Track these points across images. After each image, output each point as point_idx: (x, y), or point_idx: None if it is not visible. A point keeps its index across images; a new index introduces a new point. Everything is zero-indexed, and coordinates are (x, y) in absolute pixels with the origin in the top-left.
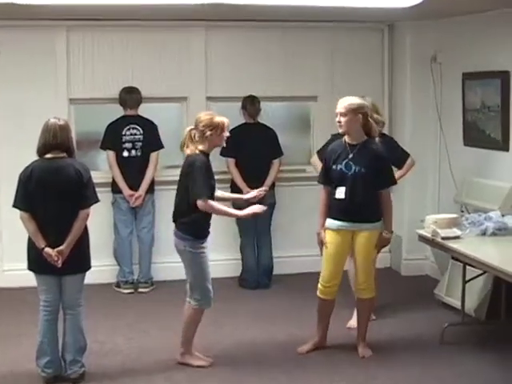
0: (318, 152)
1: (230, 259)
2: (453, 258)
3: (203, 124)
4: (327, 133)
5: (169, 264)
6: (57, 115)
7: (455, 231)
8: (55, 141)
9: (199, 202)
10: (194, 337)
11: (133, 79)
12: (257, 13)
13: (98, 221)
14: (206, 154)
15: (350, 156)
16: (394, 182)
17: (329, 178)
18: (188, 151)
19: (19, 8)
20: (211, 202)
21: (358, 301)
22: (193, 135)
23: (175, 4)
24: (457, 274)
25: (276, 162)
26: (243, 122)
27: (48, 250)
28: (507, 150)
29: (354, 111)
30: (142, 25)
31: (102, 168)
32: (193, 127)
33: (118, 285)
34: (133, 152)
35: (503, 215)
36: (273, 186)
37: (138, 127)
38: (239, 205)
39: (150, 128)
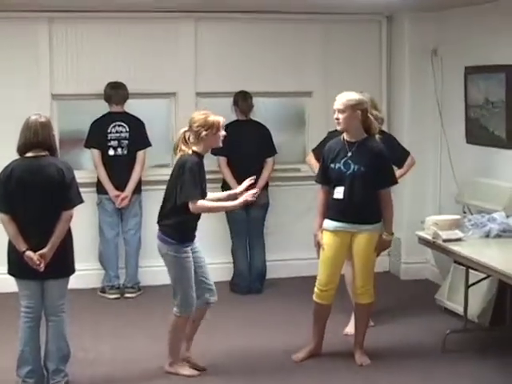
0: (314, 150)
1: (220, 262)
2: (455, 261)
3: (197, 124)
4: (323, 130)
5: (156, 268)
6: (38, 112)
7: (457, 233)
8: (36, 139)
9: (190, 205)
10: (182, 345)
11: (119, 74)
12: (249, 4)
13: (83, 223)
14: (200, 155)
15: (349, 154)
16: (394, 181)
17: (327, 178)
18: (181, 153)
19: None
20: (202, 202)
21: (356, 306)
22: (187, 137)
23: None
24: (459, 278)
25: (269, 160)
26: (235, 119)
27: (29, 253)
28: None
29: (352, 107)
30: (129, 16)
31: (87, 167)
32: (186, 129)
33: (103, 290)
34: (119, 150)
35: (507, 216)
36: (266, 186)
37: (124, 124)
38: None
39: (136, 125)
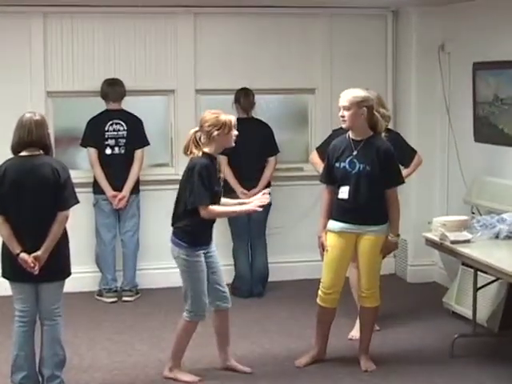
0: (318, 149)
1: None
2: (463, 263)
3: (209, 124)
4: (326, 128)
5: (155, 270)
6: (33, 109)
7: (465, 234)
8: (30, 137)
9: (200, 210)
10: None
11: (116, 70)
12: None
13: (79, 224)
14: (211, 156)
15: (355, 153)
16: (401, 180)
17: (331, 177)
18: (192, 155)
19: None
20: (212, 208)
21: (362, 309)
22: (198, 137)
23: None
24: (467, 281)
25: (272, 159)
26: (236, 116)
27: (24, 255)
28: None
29: (358, 104)
30: (126, 11)
31: (83, 167)
32: (197, 129)
33: (100, 293)
34: (116, 149)
35: None
36: (268, 185)
37: (121, 122)
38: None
39: (134, 123)
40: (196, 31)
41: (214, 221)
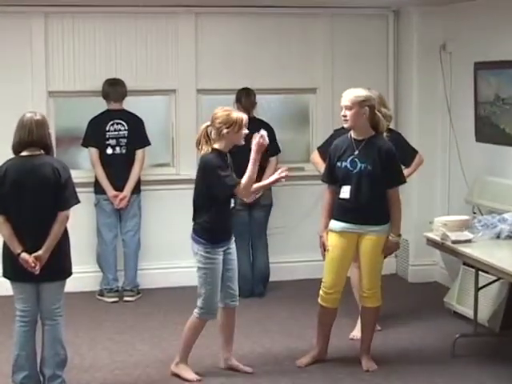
0: (319, 148)
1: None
2: (464, 263)
3: (219, 121)
4: (327, 128)
5: (156, 270)
6: (34, 109)
7: (467, 234)
8: (31, 137)
9: (237, 193)
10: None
11: (117, 70)
12: None
13: (80, 224)
14: (221, 152)
15: (356, 152)
16: (402, 180)
17: (333, 177)
18: (202, 152)
19: None
20: (243, 184)
21: (363, 309)
22: (209, 132)
23: None
24: (469, 281)
25: (273, 159)
26: None
27: (24, 255)
28: None
29: (360, 104)
30: (127, 11)
31: (84, 167)
32: (209, 124)
33: (101, 293)
34: (117, 149)
35: None
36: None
37: (122, 122)
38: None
39: (135, 123)
40: (197, 31)
41: (230, 217)
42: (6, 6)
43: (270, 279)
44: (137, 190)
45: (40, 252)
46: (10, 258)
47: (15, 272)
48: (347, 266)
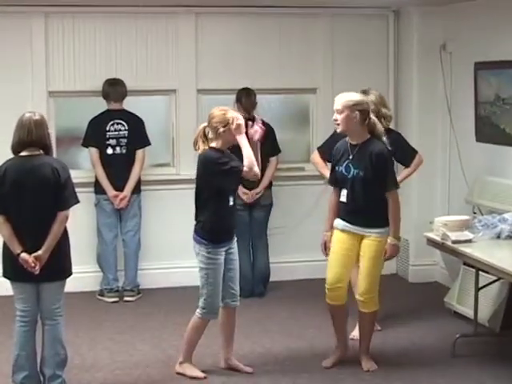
0: (319, 149)
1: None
2: (464, 263)
3: (216, 120)
4: (328, 128)
5: (156, 270)
6: (34, 109)
7: (467, 234)
8: (30, 137)
9: (246, 174)
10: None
11: (117, 70)
12: None
13: (80, 224)
14: (218, 150)
15: (350, 157)
16: (394, 185)
17: (336, 180)
18: (199, 151)
19: None
20: (245, 163)
21: (359, 313)
22: (206, 132)
23: None
24: (469, 281)
25: (273, 159)
26: None
27: (24, 255)
28: None
29: (350, 108)
30: (127, 11)
31: (85, 167)
32: (206, 124)
33: (101, 293)
34: (117, 149)
35: None
36: (270, 185)
37: (122, 122)
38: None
39: (135, 123)
40: (197, 31)
41: (234, 215)
42: (6, 6)
43: (271, 279)
44: (137, 190)
45: (40, 252)
46: (10, 258)
47: (15, 272)
48: (350, 264)
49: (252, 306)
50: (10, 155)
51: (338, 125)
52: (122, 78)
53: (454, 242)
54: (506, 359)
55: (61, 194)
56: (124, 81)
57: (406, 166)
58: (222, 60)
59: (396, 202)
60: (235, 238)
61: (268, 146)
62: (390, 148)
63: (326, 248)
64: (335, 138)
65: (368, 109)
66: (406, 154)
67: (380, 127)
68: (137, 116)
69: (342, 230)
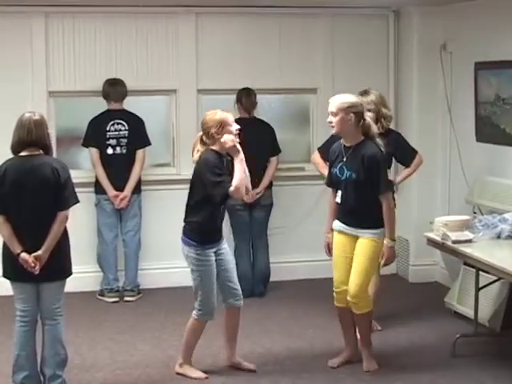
0: (319, 149)
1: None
2: (465, 263)
3: (208, 125)
4: (328, 128)
5: (157, 270)
6: (34, 109)
7: (467, 234)
8: (30, 137)
9: (231, 192)
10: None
11: (117, 70)
12: None
13: (81, 224)
14: (218, 153)
15: (344, 159)
16: (387, 188)
17: (331, 181)
18: (198, 154)
19: None
20: (234, 184)
21: (354, 314)
22: (204, 139)
23: None
24: (469, 281)
25: (273, 159)
26: (237, 116)
27: (24, 255)
28: None
29: (345, 110)
30: (128, 11)
31: (85, 167)
32: (201, 133)
33: (101, 293)
34: (118, 149)
35: None
36: (270, 185)
37: (123, 122)
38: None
39: (136, 123)
40: (197, 31)
41: (222, 217)
42: (7, 6)
43: (271, 279)
44: (137, 190)
45: (40, 252)
46: (10, 258)
47: (15, 272)
48: (351, 265)
49: (252, 306)
50: (10, 155)
51: (333, 127)
52: (123, 78)
53: (455, 241)
54: (506, 359)
55: (61, 194)
56: (124, 81)
57: (407, 166)
58: (223, 60)
59: (389, 205)
60: (224, 239)
61: (268, 146)
62: (383, 150)
63: (329, 249)
64: (335, 138)
65: (362, 110)
66: (406, 154)
67: (374, 128)
68: (137, 116)
69: (339, 232)
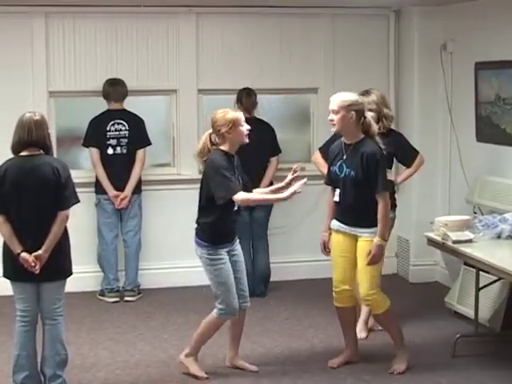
0: (320, 149)
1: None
2: (465, 263)
3: (218, 123)
4: (328, 128)
5: (157, 270)
6: (35, 109)
7: (467, 234)
8: (30, 137)
9: (236, 200)
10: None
11: (118, 70)
12: None
13: (81, 224)
14: (227, 153)
15: (344, 157)
16: (384, 187)
17: (331, 179)
18: (208, 155)
19: None
20: (244, 194)
21: (373, 315)
22: (213, 139)
23: None
24: (469, 281)
25: (274, 159)
26: None
27: (24, 255)
28: None
29: (346, 108)
30: (128, 11)
31: (85, 167)
32: (210, 131)
33: (102, 293)
34: (118, 149)
35: None
36: (270, 185)
37: (123, 122)
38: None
39: (136, 123)
40: (198, 31)
41: (235, 218)
42: (7, 6)
43: (271, 279)
44: (138, 190)
45: (40, 251)
46: (10, 258)
47: (15, 272)
48: (349, 265)
49: (252, 306)
50: (10, 155)
51: (334, 125)
52: (123, 78)
53: (455, 241)
54: (506, 359)
55: (61, 194)
56: (125, 81)
57: (408, 166)
58: (223, 60)
59: (385, 204)
60: (237, 240)
61: (268, 146)
62: (383, 148)
63: (325, 248)
64: (336, 137)
65: (363, 108)
66: (407, 154)
67: (375, 127)
68: (137, 116)
69: (337, 231)
